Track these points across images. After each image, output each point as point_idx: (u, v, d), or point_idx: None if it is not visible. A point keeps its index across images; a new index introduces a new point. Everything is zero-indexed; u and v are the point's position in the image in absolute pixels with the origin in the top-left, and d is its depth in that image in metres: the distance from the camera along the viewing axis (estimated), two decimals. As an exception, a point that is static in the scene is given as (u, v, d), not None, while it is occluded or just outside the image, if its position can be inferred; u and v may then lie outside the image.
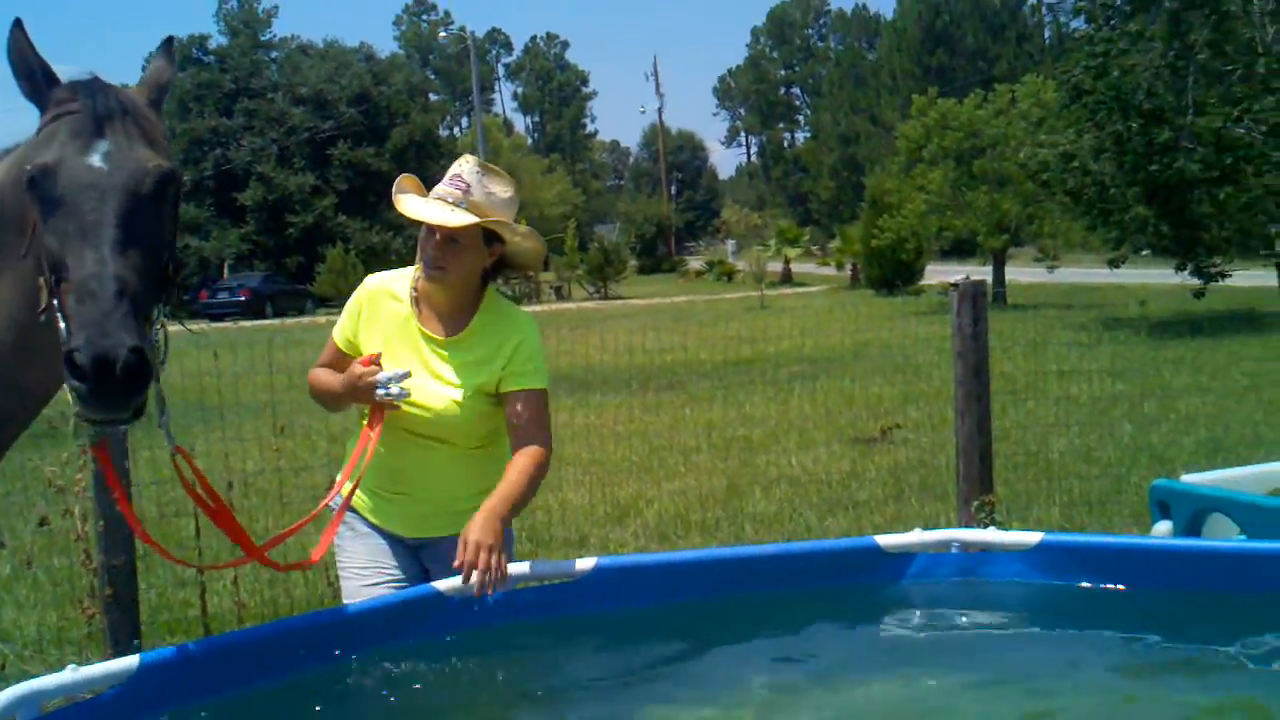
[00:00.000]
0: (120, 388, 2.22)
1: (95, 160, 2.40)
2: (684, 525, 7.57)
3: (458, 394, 3.27)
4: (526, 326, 3.39)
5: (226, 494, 5.44)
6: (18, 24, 2.42)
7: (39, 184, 2.38)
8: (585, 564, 3.26)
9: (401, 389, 3.19)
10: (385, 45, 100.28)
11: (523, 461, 3.22)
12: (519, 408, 3.29)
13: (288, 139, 53.95)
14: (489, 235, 3.27)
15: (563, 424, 10.59)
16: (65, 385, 2.28)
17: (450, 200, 3.20)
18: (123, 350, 2.20)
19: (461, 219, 3.16)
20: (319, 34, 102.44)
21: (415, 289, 3.36)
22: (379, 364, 3.26)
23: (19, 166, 2.53)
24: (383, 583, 3.37)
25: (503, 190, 3.28)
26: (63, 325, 2.29)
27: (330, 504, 3.37)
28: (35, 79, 2.48)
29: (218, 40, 60.34)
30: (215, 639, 2.94)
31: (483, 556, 2.97)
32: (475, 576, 2.96)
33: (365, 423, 3.34)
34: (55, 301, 2.33)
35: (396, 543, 3.43)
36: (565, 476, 8.55)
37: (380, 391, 3.19)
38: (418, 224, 3.24)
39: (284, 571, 3.09)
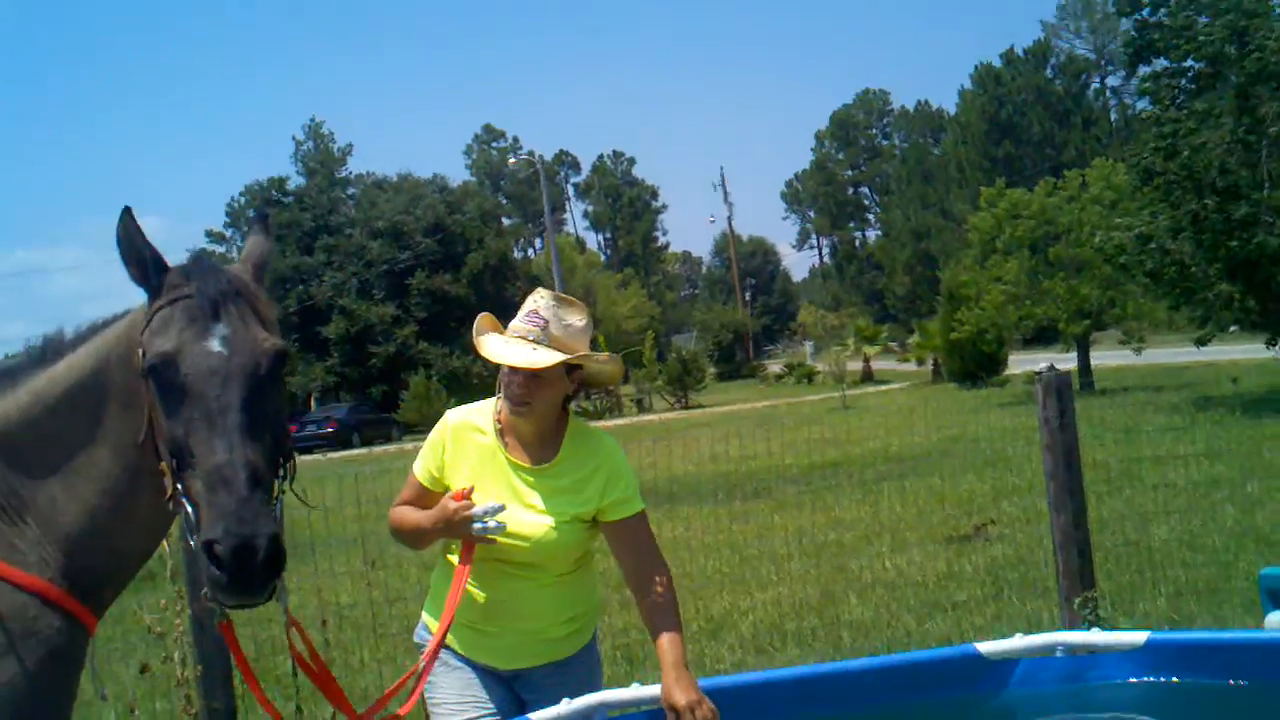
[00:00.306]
0: (260, 575, 2.28)
1: (214, 345, 2.46)
2: (780, 636, 7.45)
3: (552, 521, 3.29)
4: (614, 451, 3.42)
5: (321, 630, 5.49)
6: (127, 212, 2.51)
7: (160, 372, 2.45)
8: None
9: (498, 522, 3.20)
10: (457, 174, 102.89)
11: (662, 596, 3.27)
12: (628, 535, 3.34)
13: (367, 271, 55.28)
14: (570, 365, 3.30)
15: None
16: (203, 572, 2.32)
17: (530, 338, 3.25)
18: (263, 539, 2.27)
19: (545, 358, 3.20)
20: (393, 168, 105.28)
21: (499, 420, 3.39)
22: (470, 499, 3.27)
23: (126, 344, 2.61)
24: (478, 717, 3.36)
25: (578, 319, 3.33)
26: (189, 510, 2.36)
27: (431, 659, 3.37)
28: (145, 265, 2.56)
29: (296, 181, 62.43)
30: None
31: (701, 713, 3.00)
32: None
33: (455, 558, 3.35)
34: (179, 486, 2.40)
35: (489, 674, 3.42)
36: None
37: (477, 526, 3.20)
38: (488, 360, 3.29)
39: None
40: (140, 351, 2.52)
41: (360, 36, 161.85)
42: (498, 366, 3.32)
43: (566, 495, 3.31)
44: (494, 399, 3.43)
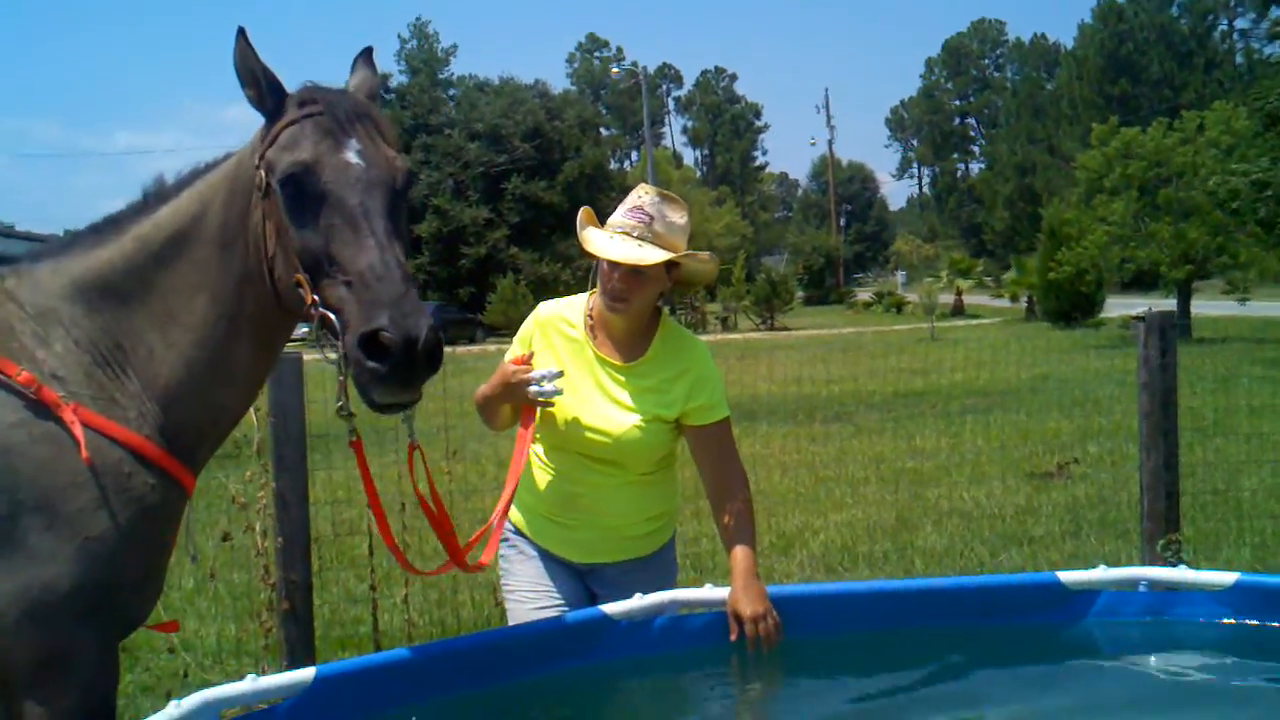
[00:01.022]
0: (423, 367, 2.27)
1: (353, 157, 2.46)
2: (851, 558, 7.43)
3: (637, 419, 3.27)
4: (703, 355, 3.39)
5: (400, 514, 5.56)
6: (242, 33, 2.48)
7: (296, 182, 2.43)
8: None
9: (555, 387, 3.18)
10: (559, 82, 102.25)
11: (738, 507, 3.26)
12: (710, 442, 3.32)
13: (463, 173, 55.43)
14: (669, 263, 3.26)
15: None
16: (350, 372, 2.32)
17: (634, 234, 3.20)
18: (425, 328, 2.26)
19: (652, 255, 3.16)
20: (495, 72, 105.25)
21: (590, 316, 3.36)
22: (530, 364, 3.27)
23: (231, 182, 2.60)
24: (550, 606, 3.37)
25: (680, 217, 3.28)
26: (333, 318, 2.34)
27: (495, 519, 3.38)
28: (260, 86, 2.54)
29: (399, 79, 62.52)
30: (388, 654, 2.95)
31: (764, 626, 3.02)
32: (763, 644, 3.01)
33: (520, 432, 3.33)
34: (316, 297, 2.39)
35: (563, 566, 3.43)
36: (730, 506, 8.47)
37: (534, 389, 3.19)
38: (592, 255, 3.24)
39: (472, 571, 3.12)
40: (263, 168, 2.50)
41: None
42: (586, 272, 3.27)
43: (652, 394, 3.29)
44: (587, 294, 3.40)
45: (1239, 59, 71.26)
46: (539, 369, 3.23)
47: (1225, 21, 74.88)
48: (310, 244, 2.41)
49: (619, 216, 3.26)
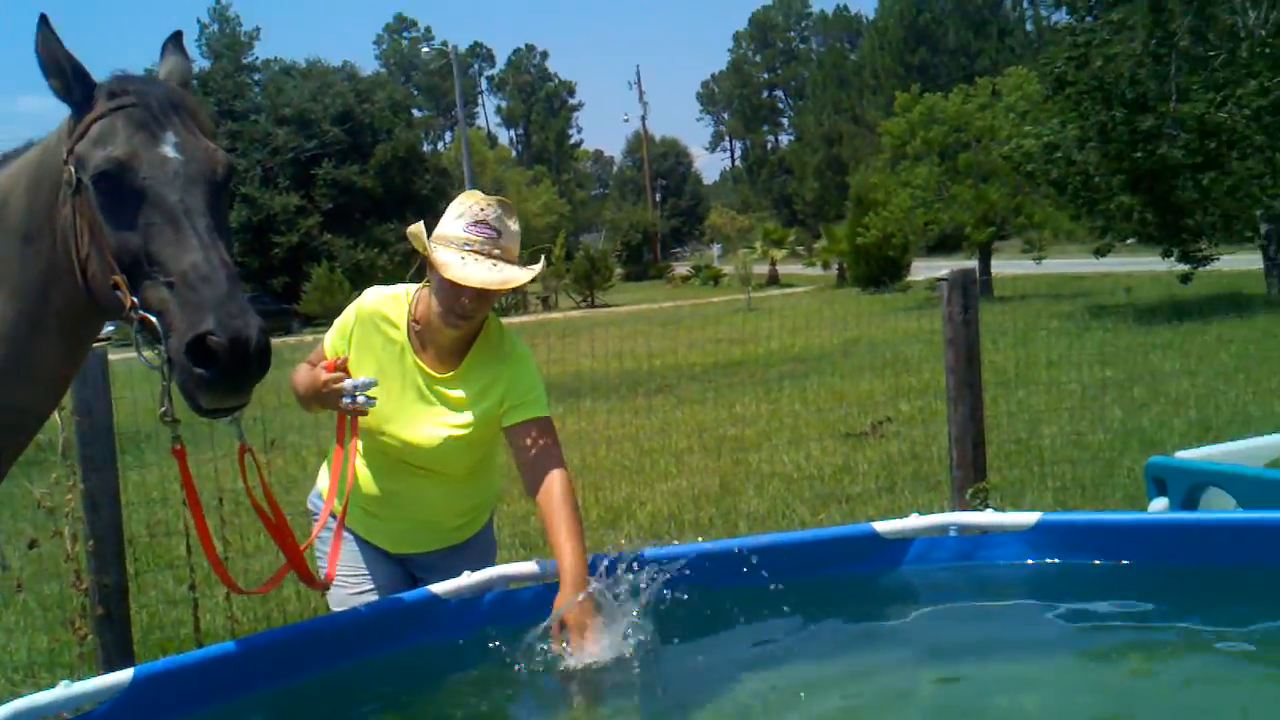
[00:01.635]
0: (253, 368, 2.19)
1: (170, 151, 2.35)
2: (678, 525, 7.54)
3: (454, 430, 3.20)
4: (519, 357, 3.27)
5: (217, 509, 5.41)
6: (44, 20, 2.35)
7: (111, 179, 2.30)
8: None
9: (368, 397, 3.06)
10: (368, 64, 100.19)
11: (560, 505, 3.05)
12: (527, 439, 3.16)
13: (272, 159, 53.93)
14: None
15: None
16: (176, 377, 2.22)
17: (485, 253, 3.05)
18: (255, 330, 2.18)
19: (518, 277, 3.07)
20: (301, 55, 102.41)
21: (416, 321, 3.22)
22: (346, 370, 3.15)
23: (35, 171, 2.47)
24: (371, 590, 3.33)
25: (515, 223, 3.17)
26: (155, 320, 2.24)
27: (321, 528, 3.30)
28: (65, 76, 2.40)
29: (201, 64, 60.42)
30: (209, 650, 2.88)
31: (578, 642, 2.87)
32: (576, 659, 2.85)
33: (337, 442, 3.23)
34: (136, 299, 2.27)
35: (381, 552, 3.40)
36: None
37: (346, 400, 3.06)
38: (418, 252, 3.12)
39: (320, 589, 3.05)
40: (72, 163, 2.37)
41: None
42: (404, 258, 3.16)
43: (472, 402, 3.21)
44: (413, 288, 3.26)
45: (1029, 26, 74.44)
46: (352, 378, 3.09)
47: (1015, -10, 78.05)
48: (128, 243, 2.29)
49: (461, 231, 3.08)
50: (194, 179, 2.33)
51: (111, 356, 5.01)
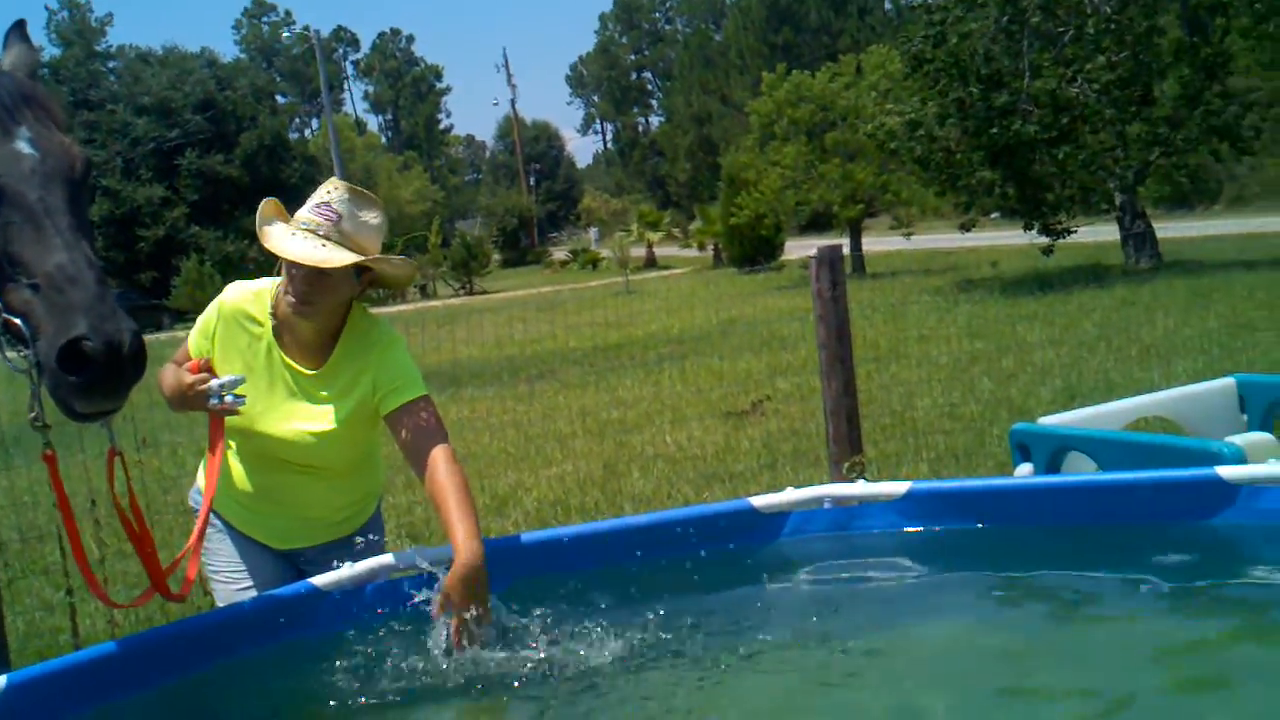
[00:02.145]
0: (128, 372, 2.16)
1: (25, 146, 2.27)
2: (564, 510, 7.59)
3: (327, 426, 3.15)
4: (388, 344, 3.19)
5: (90, 511, 5.29)
6: None
7: None
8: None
9: (235, 395, 2.98)
10: (228, 50, 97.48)
11: (447, 481, 2.94)
12: (406, 423, 3.07)
13: (132, 150, 52.37)
14: (360, 267, 3.09)
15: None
16: (46, 381, 2.17)
17: (320, 233, 2.98)
18: (128, 333, 2.13)
19: (336, 257, 2.96)
20: (157, 41, 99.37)
21: (276, 315, 3.16)
22: (211, 370, 3.07)
23: None
24: (255, 585, 3.29)
25: (373, 217, 3.08)
26: (19, 323, 2.17)
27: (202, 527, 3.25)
28: None
29: (50, 52, 58.35)
30: (87, 652, 2.83)
31: (469, 633, 2.82)
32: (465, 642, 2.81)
33: (209, 448, 3.17)
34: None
35: (266, 547, 3.36)
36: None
37: (213, 401, 2.96)
38: (271, 253, 3.06)
39: (177, 600, 3.00)
40: None
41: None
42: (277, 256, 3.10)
43: (342, 396, 3.15)
44: (274, 282, 3.18)
45: (888, 4, 75.76)
46: (218, 378, 3.01)
47: (874, -32, 79.33)
48: None
49: (304, 212, 3.03)
50: (51, 175, 2.26)
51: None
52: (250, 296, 3.19)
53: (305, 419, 3.15)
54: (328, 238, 2.97)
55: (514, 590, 3.08)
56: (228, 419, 3.11)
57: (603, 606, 3.26)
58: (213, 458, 3.13)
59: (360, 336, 3.19)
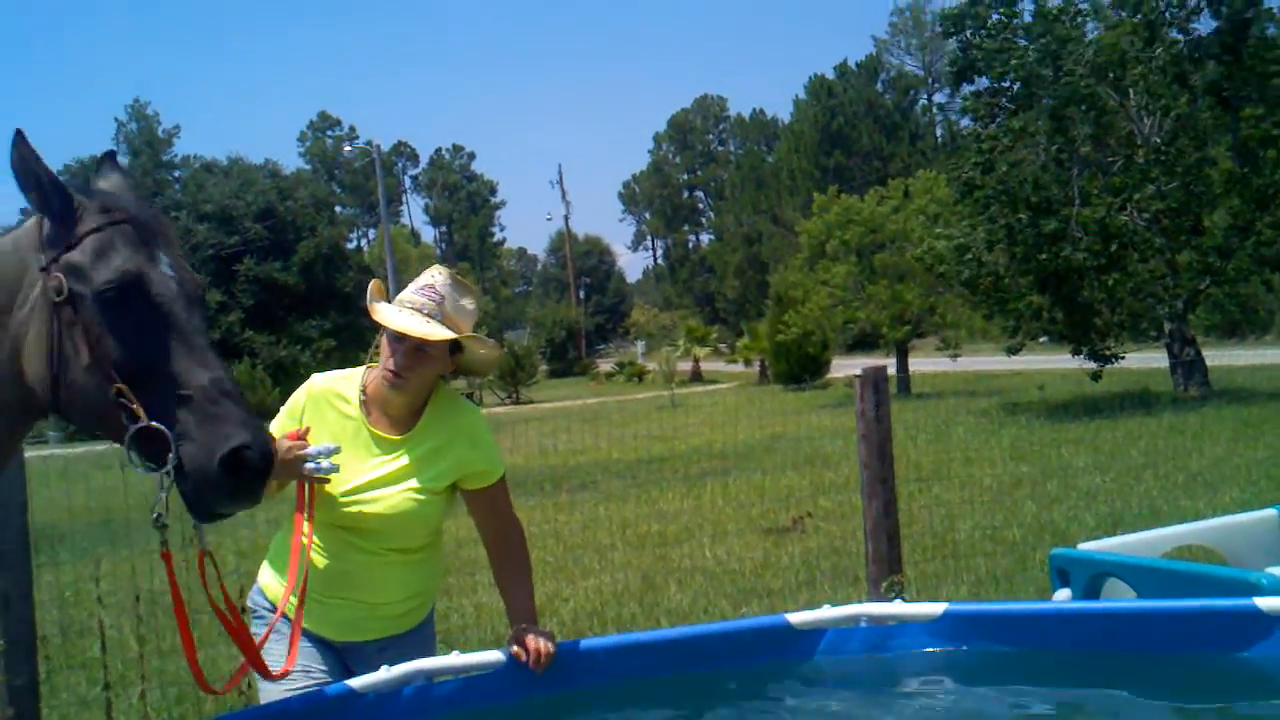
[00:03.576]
0: (265, 478, 2.41)
1: (169, 270, 2.49)
2: (600, 622, 7.56)
3: (409, 491, 3.27)
4: (473, 419, 3.43)
5: (134, 606, 5.36)
6: (20, 135, 2.43)
7: (125, 291, 2.41)
8: (492, 655, 3.27)
9: (331, 463, 3.13)
10: (291, 161, 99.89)
11: (515, 559, 3.42)
12: (486, 503, 3.40)
13: (192, 255, 53.42)
14: (454, 346, 3.31)
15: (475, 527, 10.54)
16: (193, 485, 2.36)
17: (425, 311, 3.23)
18: (270, 444, 2.41)
19: (441, 332, 3.20)
20: (222, 152, 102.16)
21: (365, 391, 3.34)
22: (305, 439, 3.20)
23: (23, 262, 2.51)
24: (305, 686, 3.29)
25: (470, 302, 3.34)
26: (164, 430, 2.36)
27: (281, 611, 3.33)
28: (44, 190, 2.47)
29: (120, 160, 60.04)
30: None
31: (545, 644, 3.17)
32: (541, 662, 3.16)
33: (296, 516, 3.28)
34: (137, 408, 2.38)
35: (320, 644, 3.37)
36: (480, 580, 8.50)
37: (310, 465, 3.10)
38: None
39: (279, 679, 3.13)
40: (60, 274, 2.43)
41: (187, 13, 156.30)
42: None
43: (424, 464, 3.29)
44: (363, 368, 3.40)
45: (940, 132, 76.76)
46: (313, 445, 3.17)
47: (926, 95, 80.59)
48: (136, 356, 2.40)
49: (409, 293, 3.29)
50: (191, 298, 2.49)
51: (27, 454, 4.99)
52: (339, 379, 3.41)
53: (389, 481, 3.28)
54: (431, 316, 3.22)
55: (542, 699, 3.11)
56: (321, 500, 3.26)
57: (635, 717, 3.28)
58: (295, 540, 3.24)
59: (447, 406, 3.40)
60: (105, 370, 2.41)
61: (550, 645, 3.17)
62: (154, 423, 2.37)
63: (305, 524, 3.24)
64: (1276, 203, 19.85)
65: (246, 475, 2.34)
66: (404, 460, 3.29)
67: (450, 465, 3.31)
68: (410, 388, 3.26)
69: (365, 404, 3.33)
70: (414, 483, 3.28)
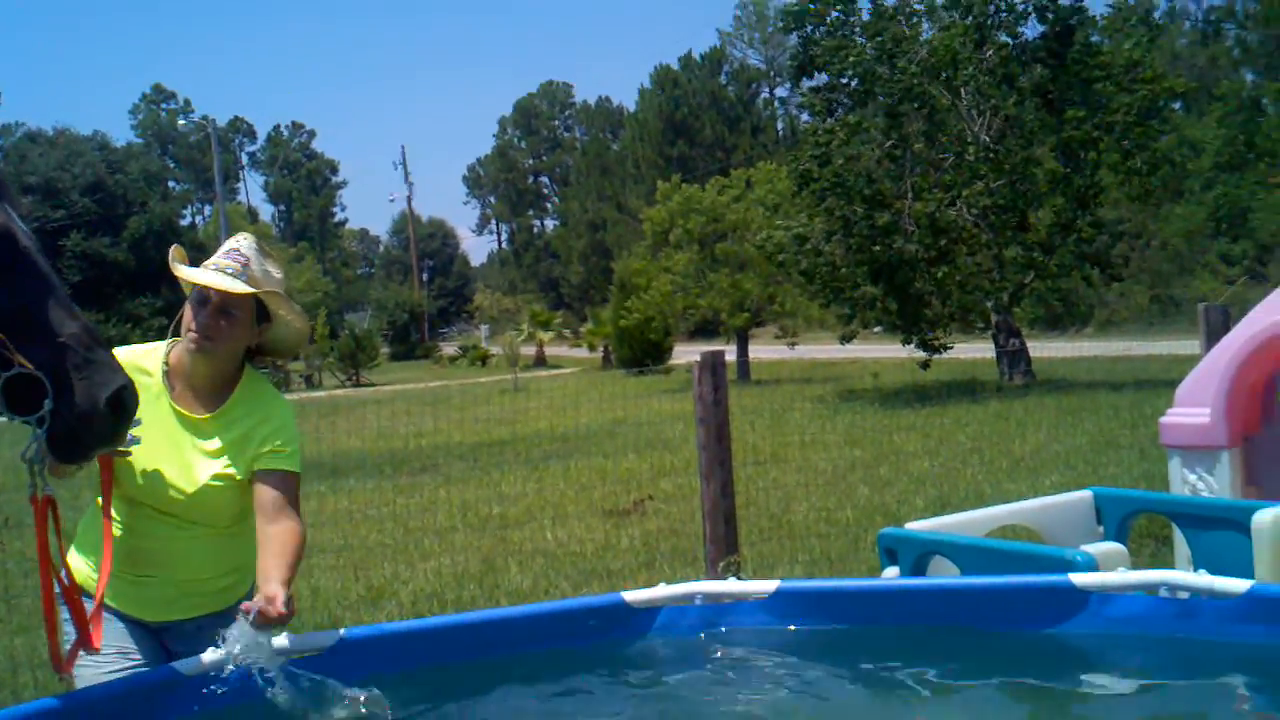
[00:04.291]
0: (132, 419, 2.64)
1: (21, 224, 2.60)
2: (440, 603, 7.52)
3: (213, 474, 3.21)
4: (284, 408, 3.37)
5: None
6: None
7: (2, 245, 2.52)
8: (329, 637, 3.23)
9: (132, 435, 2.96)
10: (122, 134, 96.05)
11: (284, 532, 3.11)
12: (271, 490, 3.19)
13: (13, 228, 51.05)
14: (260, 312, 3.27)
15: (314, 510, 10.36)
16: (68, 429, 2.52)
17: (229, 271, 3.18)
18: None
19: (246, 287, 3.16)
20: (48, 122, 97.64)
21: (168, 364, 3.28)
22: None
23: None
24: (124, 669, 3.21)
25: (277, 271, 3.31)
26: (41, 376, 2.47)
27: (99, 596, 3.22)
28: None
29: (-71, 127, 56.97)
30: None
31: (276, 606, 2.90)
32: (272, 612, 2.90)
33: (100, 503, 3.19)
34: (16, 356, 2.47)
35: (137, 626, 3.29)
36: (317, 563, 8.37)
37: None
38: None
39: (67, 672, 3.01)
40: None
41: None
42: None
43: (231, 448, 3.24)
44: (166, 342, 3.33)
45: (780, 125, 78.07)
46: None
47: (768, 89, 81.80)
48: (14, 306, 2.50)
49: (215, 257, 3.25)
50: (43, 251, 2.61)
51: None
52: (141, 353, 3.33)
53: (192, 463, 3.21)
54: (236, 276, 3.17)
55: (378, 680, 3.09)
56: (119, 476, 3.17)
57: (466, 697, 3.28)
58: (106, 521, 3.14)
59: (257, 390, 3.35)
60: None
61: (281, 608, 2.90)
62: (31, 368, 2.47)
63: (108, 502, 3.16)
64: (1096, 202, 20.81)
65: (125, 417, 2.57)
66: (208, 442, 3.24)
67: (251, 450, 3.24)
68: (216, 353, 3.22)
69: (168, 376, 3.27)
70: (217, 467, 3.22)
